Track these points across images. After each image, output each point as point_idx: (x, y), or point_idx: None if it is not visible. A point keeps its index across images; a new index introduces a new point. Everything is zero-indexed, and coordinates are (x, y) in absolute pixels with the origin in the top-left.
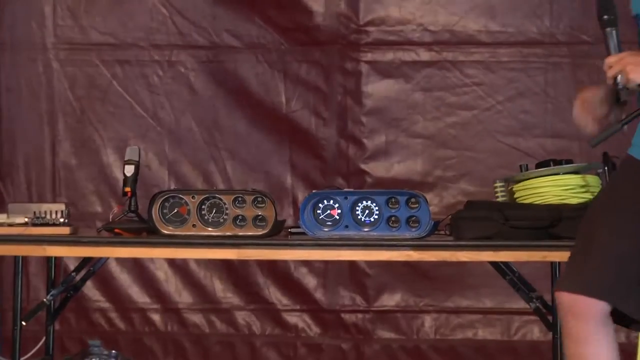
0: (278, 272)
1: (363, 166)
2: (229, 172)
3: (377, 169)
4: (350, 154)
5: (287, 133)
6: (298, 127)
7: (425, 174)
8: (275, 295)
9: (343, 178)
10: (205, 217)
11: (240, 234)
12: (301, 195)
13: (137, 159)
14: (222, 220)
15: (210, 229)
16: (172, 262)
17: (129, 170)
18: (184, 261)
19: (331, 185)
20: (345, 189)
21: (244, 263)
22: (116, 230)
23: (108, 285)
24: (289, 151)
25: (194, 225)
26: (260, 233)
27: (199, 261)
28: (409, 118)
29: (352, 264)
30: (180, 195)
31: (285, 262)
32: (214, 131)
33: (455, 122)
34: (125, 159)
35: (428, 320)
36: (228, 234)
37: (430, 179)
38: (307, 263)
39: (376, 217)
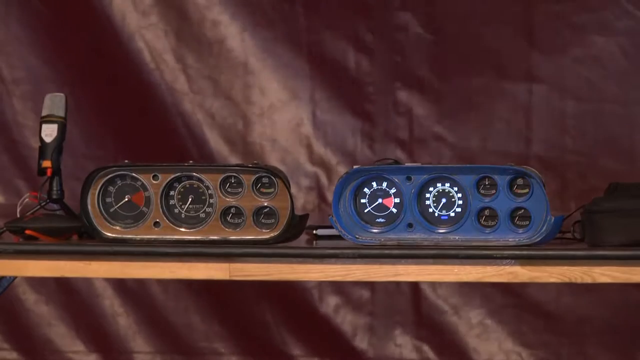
0: (296, 302)
1: (437, 128)
2: (206, 135)
3: (460, 132)
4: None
5: (308, 67)
6: (324, 58)
7: (541, 141)
8: (290, 341)
9: (403, 147)
10: (176, 211)
11: (234, 238)
12: (335, 174)
13: (62, 114)
14: (203, 216)
15: (183, 229)
16: (121, 285)
17: (50, 132)
18: (141, 284)
19: (384, 157)
20: (408, 164)
21: (239, 287)
22: (28, 232)
23: (15, 323)
24: (310, 101)
25: (156, 224)
26: (265, 237)
27: (164, 284)
28: (503, 47)
29: (418, 289)
30: (135, 174)
31: (306, 286)
32: (181, 47)
33: (588, 55)
34: (43, 114)
35: None
36: (213, 238)
37: (549, 148)
38: (342, 288)
39: (459, 210)
